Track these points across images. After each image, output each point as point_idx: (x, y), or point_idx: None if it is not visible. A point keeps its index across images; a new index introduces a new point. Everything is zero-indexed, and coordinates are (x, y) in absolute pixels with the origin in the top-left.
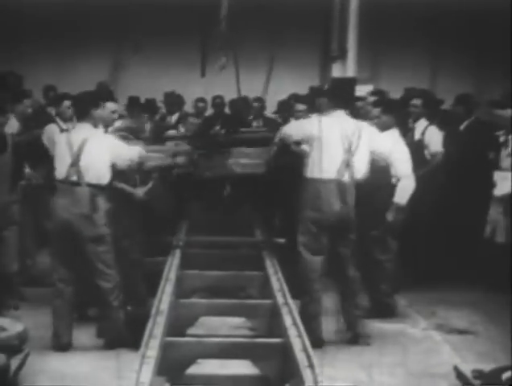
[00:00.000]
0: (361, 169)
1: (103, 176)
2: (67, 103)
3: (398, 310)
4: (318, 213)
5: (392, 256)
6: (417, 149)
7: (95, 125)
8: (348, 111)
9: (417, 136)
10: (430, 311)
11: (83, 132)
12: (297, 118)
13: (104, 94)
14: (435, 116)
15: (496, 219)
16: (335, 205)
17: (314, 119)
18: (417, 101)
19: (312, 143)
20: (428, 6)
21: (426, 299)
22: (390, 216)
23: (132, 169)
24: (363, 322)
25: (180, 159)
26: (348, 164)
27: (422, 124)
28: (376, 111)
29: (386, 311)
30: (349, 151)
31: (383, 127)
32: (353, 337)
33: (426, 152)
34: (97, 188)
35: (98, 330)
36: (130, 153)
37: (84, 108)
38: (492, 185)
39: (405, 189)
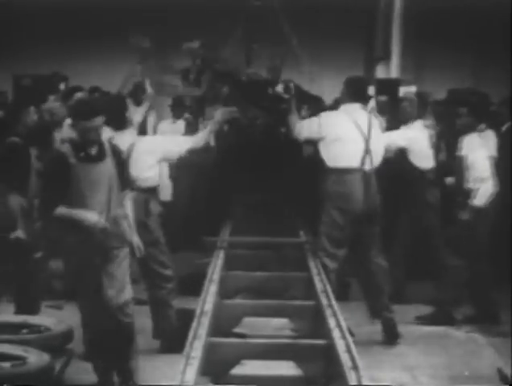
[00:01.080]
0: (378, 157)
1: (152, 178)
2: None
3: None
4: (343, 202)
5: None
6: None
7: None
8: (363, 105)
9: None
10: (474, 314)
11: (127, 138)
12: None
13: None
14: (486, 119)
15: None
16: (359, 194)
17: (332, 113)
18: (463, 110)
19: (332, 136)
20: (471, 7)
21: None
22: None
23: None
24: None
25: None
26: (368, 152)
27: (471, 142)
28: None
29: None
30: (367, 140)
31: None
32: (389, 338)
33: None
34: (148, 192)
35: (154, 331)
36: (179, 146)
37: (123, 118)
38: None
39: None
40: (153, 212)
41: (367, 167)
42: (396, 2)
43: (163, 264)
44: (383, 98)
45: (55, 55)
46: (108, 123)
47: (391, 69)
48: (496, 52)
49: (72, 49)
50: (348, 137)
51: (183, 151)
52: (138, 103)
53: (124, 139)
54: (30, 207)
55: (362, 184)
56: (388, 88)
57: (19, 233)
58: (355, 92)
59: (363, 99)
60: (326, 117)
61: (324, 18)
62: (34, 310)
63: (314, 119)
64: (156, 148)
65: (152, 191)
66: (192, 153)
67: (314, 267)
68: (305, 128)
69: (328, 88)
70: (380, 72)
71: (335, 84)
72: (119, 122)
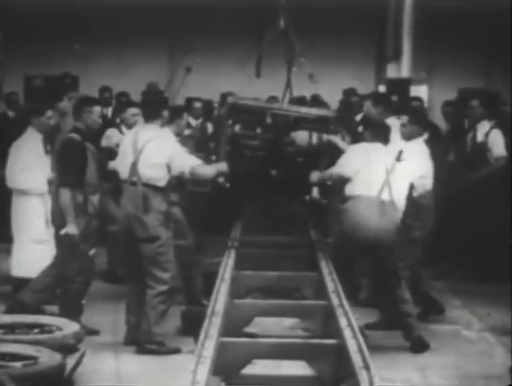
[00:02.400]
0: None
1: (160, 177)
2: (133, 110)
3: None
4: (355, 230)
5: None
6: (480, 151)
7: (162, 126)
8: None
9: (480, 138)
10: (485, 313)
11: (150, 132)
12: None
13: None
14: (496, 116)
15: None
16: (372, 223)
17: (360, 149)
18: (475, 102)
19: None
20: (482, 6)
21: (481, 301)
22: None
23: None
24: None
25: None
26: (388, 184)
27: (484, 125)
28: (404, 119)
29: None
30: (389, 172)
31: (409, 136)
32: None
33: (489, 155)
34: (152, 189)
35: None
36: (184, 164)
37: (155, 111)
38: None
39: None
40: (154, 209)
41: (385, 197)
42: (407, 1)
43: (156, 264)
44: (394, 97)
45: (66, 56)
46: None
47: (402, 68)
48: (507, 52)
49: (83, 49)
50: (368, 168)
51: (187, 171)
52: None
53: (146, 132)
54: (85, 202)
55: (376, 213)
56: (399, 87)
57: (70, 229)
58: (377, 135)
59: (384, 141)
60: (349, 157)
61: (335, 17)
62: (77, 312)
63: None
64: (167, 150)
65: (156, 189)
66: (194, 176)
67: (325, 266)
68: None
69: (338, 87)
70: (391, 72)
71: (346, 83)
72: (151, 116)
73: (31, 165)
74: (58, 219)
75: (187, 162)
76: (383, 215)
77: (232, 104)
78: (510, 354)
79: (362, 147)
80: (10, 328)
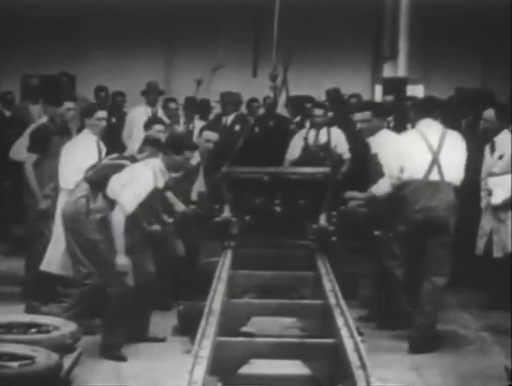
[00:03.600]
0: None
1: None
2: (158, 127)
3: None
4: (404, 212)
5: None
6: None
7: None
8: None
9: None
10: (482, 312)
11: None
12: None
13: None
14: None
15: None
16: (420, 204)
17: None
18: (489, 114)
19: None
20: (479, 6)
21: (478, 300)
22: None
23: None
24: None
25: None
26: (435, 163)
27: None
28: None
29: None
30: (436, 152)
31: (372, 130)
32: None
33: None
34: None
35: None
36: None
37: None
38: None
39: None
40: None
41: (433, 178)
42: (403, 0)
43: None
44: (390, 97)
45: (63, 55)
46: None
47: (399, 68)
48: (504, 51)
49: (80, 49)
50: (412, 151)
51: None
52: (150, 103)
53: None
54: None
55: (425, 195)
56: (395, 87)
57: (157, 227)
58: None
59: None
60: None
61: (331, 17)
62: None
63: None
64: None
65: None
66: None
67: (322, 266)
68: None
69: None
70: (387, 71)
71: (342, 82)
72: None
73: (85, 167)
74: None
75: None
76: (435, 195)
77: (225, 173)
78: (511, 353)
79: (393, 143)
80: (7, 328)
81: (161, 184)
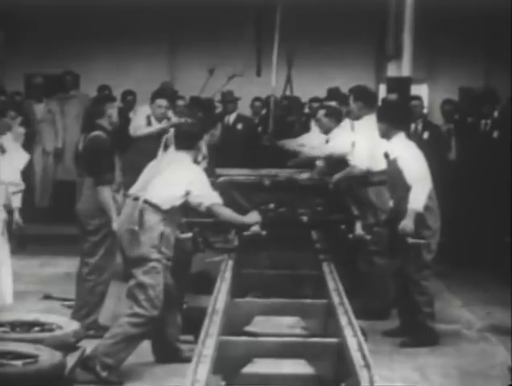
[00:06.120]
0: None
1: (167, 200)
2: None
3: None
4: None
5: None
6: None
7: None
8: None
9: None
10: (485, 312)
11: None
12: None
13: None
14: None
15: None
16: None
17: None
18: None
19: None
20: (483, 5)
21: (481, 300)
22: None
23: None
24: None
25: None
26: None
27: None
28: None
29: None
30: None
31: (326, 129)
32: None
33: None
34: (152, 207)
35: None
36: (204, 197)
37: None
38: None
39: None
40: (150, 227)
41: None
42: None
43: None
44: (393, 96)
45: (67, 54)
46: None
47: (403, 67)
48: (508, 51)
49: (83, 48)
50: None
51: (205, 205)
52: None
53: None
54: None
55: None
56: (399, 86)
57: (115, 225)
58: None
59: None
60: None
61: (335, 15)
62: None
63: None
64: (187, 177)
65: (155, 208)
66: (212, 214)
67: (326, 265)
68: None
69: (341, 86)
70: (391, 71)
71: (346, 81)
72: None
73: None
74: (86, 216)
75: (208, 197)
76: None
77: (222, 183)
78: (510, 353)
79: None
80: (11, 326)
81: None
